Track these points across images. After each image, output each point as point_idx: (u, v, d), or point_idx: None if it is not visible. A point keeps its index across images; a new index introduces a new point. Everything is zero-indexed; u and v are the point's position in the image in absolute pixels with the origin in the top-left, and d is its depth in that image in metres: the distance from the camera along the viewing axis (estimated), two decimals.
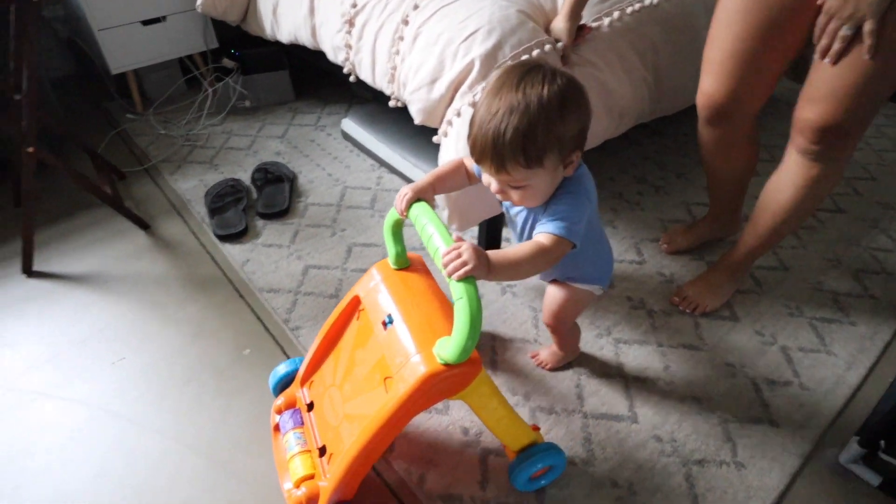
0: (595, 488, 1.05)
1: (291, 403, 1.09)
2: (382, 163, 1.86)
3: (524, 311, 1.39)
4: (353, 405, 0.95)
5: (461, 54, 1.19)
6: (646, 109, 1.44)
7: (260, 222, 1.69)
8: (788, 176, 1.16)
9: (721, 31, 1.14)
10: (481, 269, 0.78)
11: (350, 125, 1.98)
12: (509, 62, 1.16)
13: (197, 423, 1.17)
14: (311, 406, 1.05)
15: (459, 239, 0.83)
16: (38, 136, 1.42)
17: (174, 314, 1.42)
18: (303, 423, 1.04)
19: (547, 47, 1.21)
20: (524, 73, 0.81)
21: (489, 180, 0.89)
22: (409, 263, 1.03)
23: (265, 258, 1.55)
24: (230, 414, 1.19)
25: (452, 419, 1.16)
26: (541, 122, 0.80)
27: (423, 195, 0.93)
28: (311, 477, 0.95)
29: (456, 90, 1.22)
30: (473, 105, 1.20)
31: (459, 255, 0.78)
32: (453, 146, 1.21)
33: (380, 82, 1.40)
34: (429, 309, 0.93)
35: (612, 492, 1.04)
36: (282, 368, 1.15)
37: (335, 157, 1.97)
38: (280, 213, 1.69)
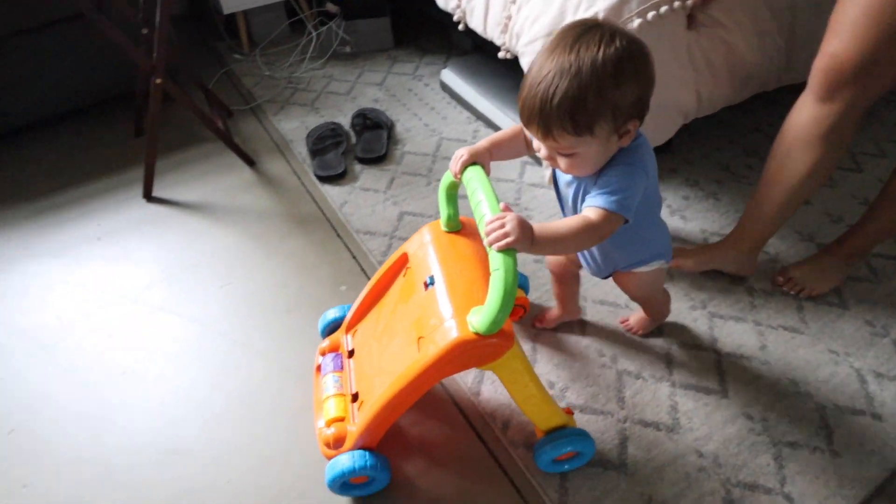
0: (679, 456, 1.05)
1: (335, 347, 1.13)
2: (480, 116, 1.85)
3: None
4: (388, 359, 0.97)
5: (584, 6, 1.16)
6: (772, 77, 1.35)
7: (358, 166, 1.73)
8: None
9: None
10: (524, 241, 0.77)
11: (449, 76, 1.97)
12: (636, 18, 1.12)
13: (296, 350, 1.25)
14: (351, 353, 1.09)
15: (507, 208, 0.83)
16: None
17: (276, 247, 1.49)
18: (342, 368, 1.08)
19: (676, 4, 1.15)
20: (581, 32, 0.76)
21: (538, 145, 0.84)
22: (460, 227, 1.03)
23: (362, 201, 1.60)
24: None
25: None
26: (592, 86, 0.74)
27: (479, 159, 0.91)
28: (342, 420, 0.99)
29: None
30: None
31: (503, 226, 0.76)
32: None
33: (491, 32, 1.39)
34: (472, 275, 0.93)
35: (696, 461, 1.04)
36: (331, 313, 1.19)
37: (432, 108, 1.98)
38: (377, 158, 1.73)
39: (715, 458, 1.04)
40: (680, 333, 1.25)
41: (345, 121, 1.92)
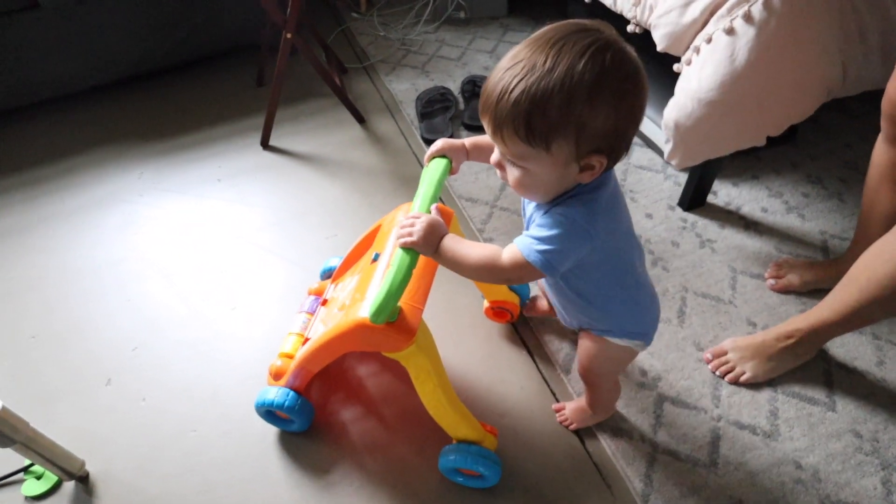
0: (775, 464, 1.00)
1: (319, 292, 1.18)
2: None
3: (722, 269, 1.31)
4: (332, 317, 1.01)
5: None
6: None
7: (464, 132, 1.73)
8: None
9: None
10: (425, 247, 0.76)
11: None
12: None
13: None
14: (325, 302, 1.12)
15: (441, 209, 0.80)
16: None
17: (380, 204, 1.53)
18: (313, 312, 1.13)
19: None
20: (572, 32, 0.63)
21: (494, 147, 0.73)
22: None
23: (466, 168, 1.61)
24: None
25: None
26: (560, 95, 0.61)
27: (450, 154, 0.87)
28: (291, 357, 1.04)
29: (712, 13, 1.13)
30: (729, 31, 1.10)
31: (412, 225, 0.75)
32: (696, 76, 1.14)
33: (622, 4, 1.33)
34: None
35: (793, 472, 0.99)
36: (332, 262, 1.25)
37: None
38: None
39: (815, 472, 0.99)
40: None
41: (454, 86, 1.92)
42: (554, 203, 0.72)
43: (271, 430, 1.10)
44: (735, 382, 1.11)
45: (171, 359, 1.23)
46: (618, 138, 0.66)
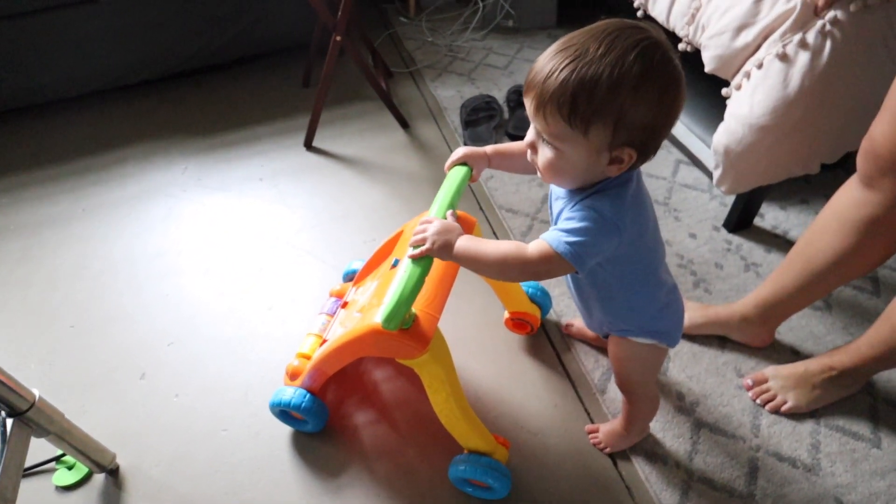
0: (815, 500, 0.97)
1: (341, 294, 1.18)
2: None
3: None
4: (350, 320, 1.00)
5: None
6: None
7: (508, 142, 1.73)
8: None
9: None
10: (441, 252, 0.75)
11: None
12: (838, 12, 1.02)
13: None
14: (346, 304, 1.12)
15: (462, 217, 0.80)
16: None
17: (420, 210, 1.51)
18: (333, 314, 1.13)
19: None
20: (625, 27, 0.65)
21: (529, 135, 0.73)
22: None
23: (508, 178, 1.61)
24: (460, 310, 1.28)
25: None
26: (607, 80, 0.62)
27: (472, 162, 0.88)
28: (308, 358, 1.05)
29: (765, 38, 1.11)
30: (781, 57, 1.08)
31: (425, 231, 0.74)
32: (747, 101, 1.12)
33: (675, 22, 1.32)
34: (431, 272, 0.89)
35: None
36: (355, 264, 1.25)
37: None
38: None
39: None
40: None
41: (500, 95, 1.92)
42: (581, 197, 0.73)
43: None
44: (776, 411, 1.08)
45: (205, 356, 1.25)
46: (652, 135, 0.68)
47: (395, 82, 2.04)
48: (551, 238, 0.71)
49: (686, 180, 1.58)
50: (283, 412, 1.07)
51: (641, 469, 1.02)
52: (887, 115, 0.85)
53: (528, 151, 0.74)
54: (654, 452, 1.04)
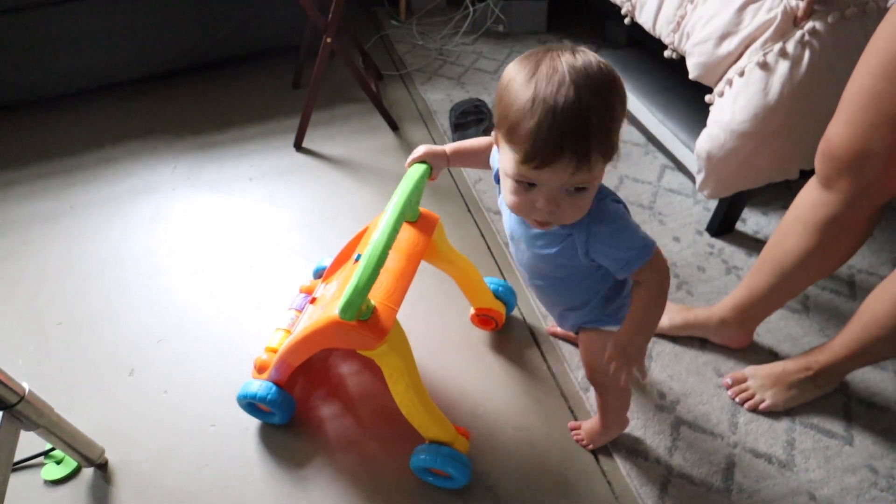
0: (789, 494, 1.00)
1: (310, 290, 1.21)
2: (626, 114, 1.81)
3: None
4: (315, 314, 1.02)
5: (766, 8, 1.10)
6: None
7: None
8: None
9: (862, 68, 0.85)
10: (640, 358, 0.78)
11: None
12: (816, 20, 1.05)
13: (417, 313, 1.31)
14: (314, 300, 1.14)
15: (425, 214, 0.83)
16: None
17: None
18: (301, 309, 1.16)
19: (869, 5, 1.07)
20: (548, 49, 0.63)
21: (533, 197, 0.66)
22: (416, 218, 1.02)
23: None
24: (446, 315, 1.31)
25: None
26: (612, 89, 0.60)
27: (431, 160, 0.90)
28: (275, 352, 1.08)
29: (747, 47, 1.14)
30: (762, 65, 1.11)
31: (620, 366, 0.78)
32: (729, 108, 1.15)
33: (661, 29, 1.35)
34: (390, 266, 0.93)
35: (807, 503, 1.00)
36: (325, 261, 1.26)
37: None
38: None
39: None
40: None
41: (489, 99, 1.94)
42: (586, 224, 0.71)
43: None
44: (754, 410, 1.11)
45: (194, 353, 1.26)
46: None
47: (386, 85, 2.06)
48: (634, 257, 0.71)
49: (671, 185, 1.61)
50: (251, 404, 1.09)
51: (623, 465, 1.05)
52: (842, 116, 0.87)
53: (545, 209, 0.66)
54: (635, 449, 1.07)
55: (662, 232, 1.47)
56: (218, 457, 1.09)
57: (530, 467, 1.05)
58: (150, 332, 1.30)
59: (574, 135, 0.59)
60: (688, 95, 1.54)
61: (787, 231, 1.02)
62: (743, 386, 1.13)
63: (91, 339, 1.30)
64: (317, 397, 1.18)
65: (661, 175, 1.64)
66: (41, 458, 1.08)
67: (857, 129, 0.84)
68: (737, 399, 1.13)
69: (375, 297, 0.87)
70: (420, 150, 0.90)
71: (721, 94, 1.19)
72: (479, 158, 0.91)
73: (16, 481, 1.05)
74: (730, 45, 1.16)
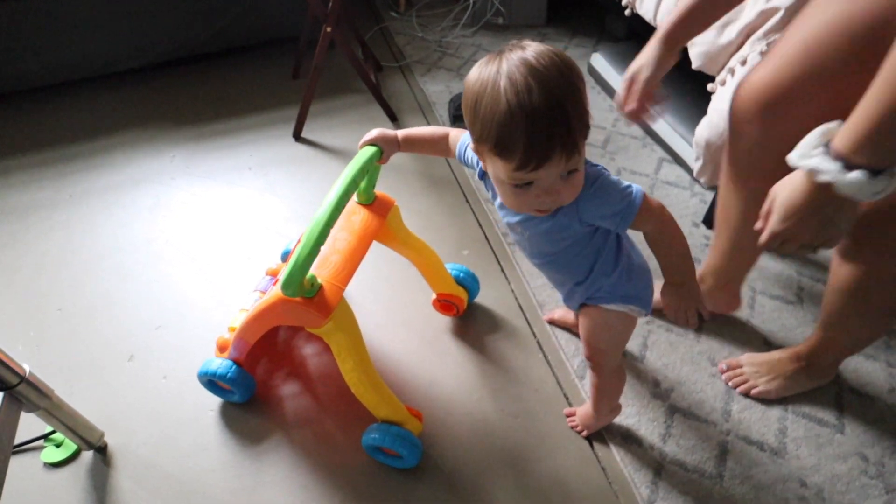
0: (780, 481, 1.02)
1: (275, 273, 1.24)
2: None
3: (742, 288, 1.33)
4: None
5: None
6: None
7: None
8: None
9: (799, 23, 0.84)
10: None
11: (600, 62, 1.94)
12: None
13: (414, 304, 1.32)
14: (276, 282, 1.15)
15: (381, 197, 0.84)
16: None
17: (408, 203, 1.56)
18: (265, 291, 1.17)
19: None
20: (497, 54, 0.65)
21: (534, 191, 0.68)
22: (371, 201, 1.04)
23: None
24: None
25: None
26: (570, 69, 0.62)
27: (382, 144, 0.91)
28: None
29: (748, 36, 1.15)
30: (763, 55, 1.12)
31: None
32: (730, 96, 1.16)
33: (661, 19, 1.36)
34: (342, 247, 0.95)
35: (798, 490, 1.01)
36: (292, 245, 1.27)
37: None
38: None
39: (819, 491, 1.00)
40: None
41: None
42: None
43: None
44: (747, 394, 1.13)
45: (193, 340, 1.27)
46: None
47: (385, 76, 2.07)
48: (627, 204, 0.72)
49: (668, 178, 1.62)
50: (211, 382, 1.10)
51: (617, 451, 1.06)
52: (769, 59, 0.86)
53: (546, 200, 0.69)
54: (629, 435, 1.08)
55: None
56: (216, 441, 1.10)
57: (527, 454, 1.07)
58: (149, 319, 1.31)
59: (559, 130, 0.62)
60: (687, 89, 1.55)
61: (723, 190, 1.04)
62: (738, 371, 1.15)
63: (90, 325, 1.30)
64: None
65: (658, 168, 1.65)
66: (41, 441, 1.09)
67: (780, 66, 0.83)
68: (730, 383, 1.14)
69: (323, 276, 0.89)
70: (373, 133, 0.92)
71: (723, 83, 1.20)
72: (433, 147, 0.94)
73: (15, 464, 1.06)
74: (731, 33, 1.17)
